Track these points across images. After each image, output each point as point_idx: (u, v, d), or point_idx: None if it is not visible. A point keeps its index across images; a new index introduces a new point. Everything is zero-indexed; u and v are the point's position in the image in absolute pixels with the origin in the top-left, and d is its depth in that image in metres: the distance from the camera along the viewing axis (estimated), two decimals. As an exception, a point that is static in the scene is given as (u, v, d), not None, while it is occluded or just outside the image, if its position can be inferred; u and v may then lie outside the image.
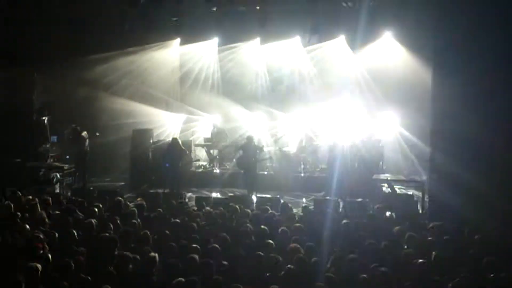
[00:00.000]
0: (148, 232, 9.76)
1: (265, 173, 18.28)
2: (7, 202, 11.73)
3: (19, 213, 10.78)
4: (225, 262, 8.42)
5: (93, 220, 10.47)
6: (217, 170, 19.27)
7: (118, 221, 10.71)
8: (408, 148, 18.17)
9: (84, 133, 17.35)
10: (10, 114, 17.73)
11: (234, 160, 18.27)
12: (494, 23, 12.73)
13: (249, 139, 16.81)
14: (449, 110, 13.28)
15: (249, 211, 11.90)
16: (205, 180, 18.61)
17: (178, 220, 11.04)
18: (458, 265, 8.59)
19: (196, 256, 8.51)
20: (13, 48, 17.67)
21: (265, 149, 18.22)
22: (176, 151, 16.73)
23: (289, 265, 8.22)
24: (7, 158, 16.52)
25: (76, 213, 11.32)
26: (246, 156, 16.59)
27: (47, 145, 18.39)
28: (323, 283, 7.77)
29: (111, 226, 10.32)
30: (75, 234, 9.66)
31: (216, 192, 16.96)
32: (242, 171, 16.89)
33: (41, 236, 9.20)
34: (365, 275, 8.07)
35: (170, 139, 17.65)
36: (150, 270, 8.10)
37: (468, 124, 12.90)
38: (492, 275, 7.93)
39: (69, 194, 15.22)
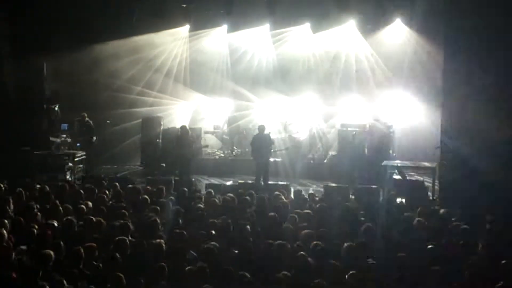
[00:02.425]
0: (158, 219, 9.80)
1: (275, 160, 18.19)
2: (19, 189, 11.81)
3: (33, 202, 10.86)
4: (235, 250, 8.48)
5: (103, 207, 10.60)
6: (228, 157, 19.29)
7: (129, 208, 10.78)
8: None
9: (91, 122, 17.50)
10: (20, 102, 17.78)
11: (248, 149, 18.00)
12: (505, 9, 12.63)
13: (261, 129, 16.53)
14: (460, 96, 13.22)
15: (259, 197, 11.91)
16: (215, 167, 18.65)
17: (189, 207, 11.08)
18: (468, 251, 8.57)
19: (207, 244, 8.55)
20: (22, 36, 17.69)
21: (274, 136, 18.06)
22: (185, 139, 16.76)
23: (301, 252, 8.23)
24: (17, 146, 16.58)
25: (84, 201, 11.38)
26: (259, 146, 16.31)
27: (58, 133, 18.45)
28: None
29: (122, 213, 10.37)
30: (89, 220, 9.73)
31: (227, 179, 16.94)
32: (256, 160, 16.59)
33: (54, 223, 9.26)
34: (372, 261, 8.09)
35: (179, 126, 17.58)
36: (159, 256, 8.14)
37: (478, 110, 12.85)
38: (503, 261, 7.91)
39: (80, 181, 15.26)
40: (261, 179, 15.99)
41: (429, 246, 8.63)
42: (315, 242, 8.54)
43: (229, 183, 15.84)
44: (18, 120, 17.37)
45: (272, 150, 16.73)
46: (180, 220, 10.30)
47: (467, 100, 13.08)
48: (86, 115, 17.61)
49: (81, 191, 12.26)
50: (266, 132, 16.58)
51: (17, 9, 17.42)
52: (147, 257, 8.25)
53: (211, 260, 7.92)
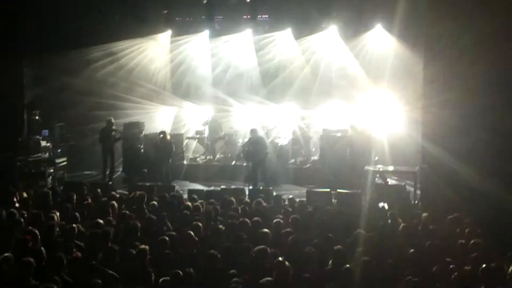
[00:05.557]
0: (139, 224, 9.76)
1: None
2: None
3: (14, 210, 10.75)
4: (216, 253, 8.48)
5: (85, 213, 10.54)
6: (210, 163, 19.27)
7: (111, 214, 10.73)
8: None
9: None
10: (-1, 107, 17.62)
11: (241, 153, 17.92)
12: (485, 15, 12.77)
13: (254, 132, 16.72)
14: (440, 101, 13.33)
15: (241, 204, 11.91)
16: (198, 173, 18.62)
17: (170, 213, 11.04)
18: (448, 255, 8.62)
19: (191, 249, 8.54)
20: (1, 41, 17.50)
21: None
22: (165, 145, 16.80)
23: (281, 257, 8.22)
24: (-2, 152, 16.43)
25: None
26: (256, 149, 16.46)
27: (39, 139, 18.28)
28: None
29: (104, 218, 10.31)
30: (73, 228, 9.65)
31: (208, 185, 16.92)
32: (250, 163, 16.77)
33: (35, 231, 9.16)
34: (350, 265, 8.10)
35: (158, 132, 17.62)
36: (142, 262, 8.10)
37: (459, 115, 12.97)
38: (483, 265, 7.96)
39: (61, 188, 15.13)
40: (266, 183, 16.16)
41: (411, 251, 8.68)
42: (298, 248, 8.55)
43: (211, 188, 15.83)
44: (-2, 126, 17.21)
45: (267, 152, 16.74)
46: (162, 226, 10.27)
47: (447, 105, 13.20)
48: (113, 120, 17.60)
49: (64, 197, 12.18)
50: (259, 134, 16.82)
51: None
52: (131, 264, 8.21)
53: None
